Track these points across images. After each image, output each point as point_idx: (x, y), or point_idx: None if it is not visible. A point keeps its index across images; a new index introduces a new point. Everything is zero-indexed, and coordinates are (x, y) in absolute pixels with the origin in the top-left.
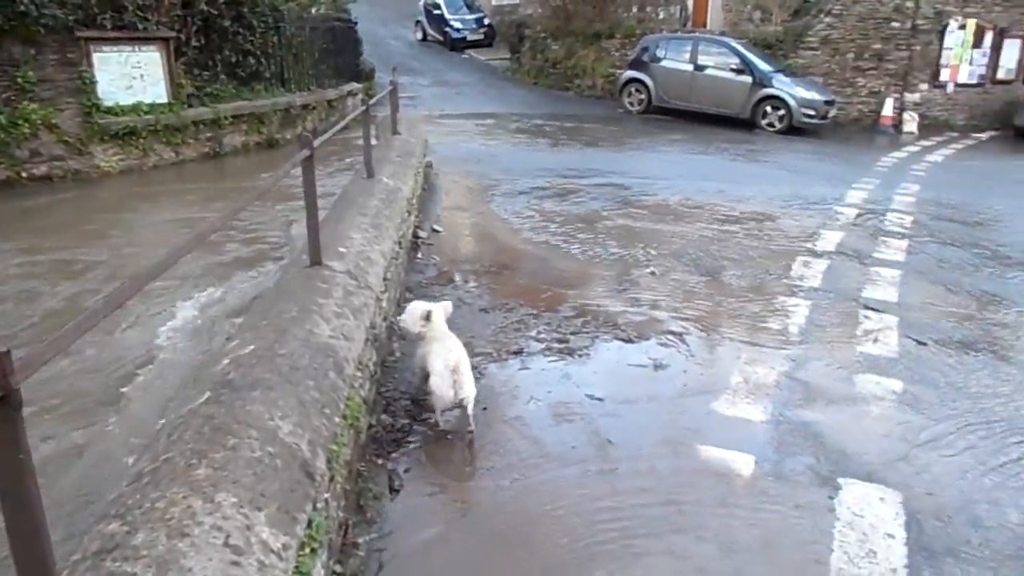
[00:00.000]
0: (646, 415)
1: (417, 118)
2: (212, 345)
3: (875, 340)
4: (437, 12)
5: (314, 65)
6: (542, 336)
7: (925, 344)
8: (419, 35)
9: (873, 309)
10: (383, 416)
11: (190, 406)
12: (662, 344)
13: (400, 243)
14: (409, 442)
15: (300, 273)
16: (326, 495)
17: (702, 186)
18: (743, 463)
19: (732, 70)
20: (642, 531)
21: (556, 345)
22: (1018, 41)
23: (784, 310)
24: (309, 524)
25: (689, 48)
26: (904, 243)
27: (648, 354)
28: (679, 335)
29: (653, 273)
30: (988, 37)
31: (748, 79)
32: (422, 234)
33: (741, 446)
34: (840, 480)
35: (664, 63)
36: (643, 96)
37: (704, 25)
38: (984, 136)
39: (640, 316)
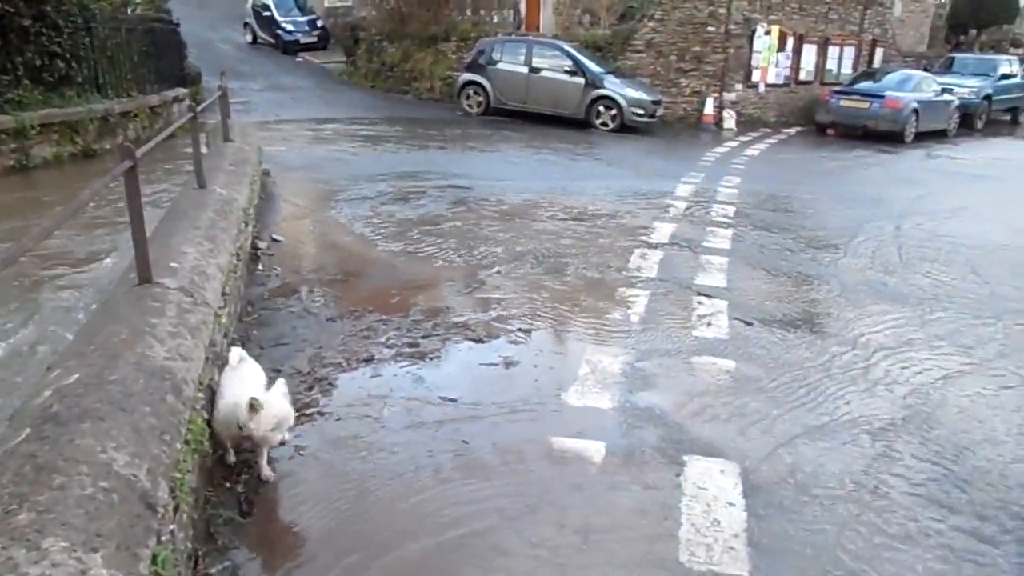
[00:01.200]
0: (499, 413)
1: (251, 124)
2: (24, 378)
3: (708, 324)
4: (267, 14)
5: (133, 69)
6: (392, 342)
7: (752, 324)
8: (249, 38)
9: (705, 295)
10: None
11: (6, 446)
12: (512, 342)
13: (238, 255)
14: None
15: (129, 293)
16: (172, 526)
17: (542, 185)
18: (594, 450)
19: (566, 72)
20: (502, 526)
21: (407, 350)
22: (814, 46)
23: (625, 301)
24: (154, 560)
25: (524, 51)
26: (729, 232)
27: (499, 352)
28: (528, 332)
29: (499, 272)
30: (790, 42)
31: (581, 80)
32: (262, 245)
33: (592, 434)
34: (685, 457)
35: (500, 66)
36: (481, 98)
37: (537, 28)
38: (792, 131)
39: (489, 315)
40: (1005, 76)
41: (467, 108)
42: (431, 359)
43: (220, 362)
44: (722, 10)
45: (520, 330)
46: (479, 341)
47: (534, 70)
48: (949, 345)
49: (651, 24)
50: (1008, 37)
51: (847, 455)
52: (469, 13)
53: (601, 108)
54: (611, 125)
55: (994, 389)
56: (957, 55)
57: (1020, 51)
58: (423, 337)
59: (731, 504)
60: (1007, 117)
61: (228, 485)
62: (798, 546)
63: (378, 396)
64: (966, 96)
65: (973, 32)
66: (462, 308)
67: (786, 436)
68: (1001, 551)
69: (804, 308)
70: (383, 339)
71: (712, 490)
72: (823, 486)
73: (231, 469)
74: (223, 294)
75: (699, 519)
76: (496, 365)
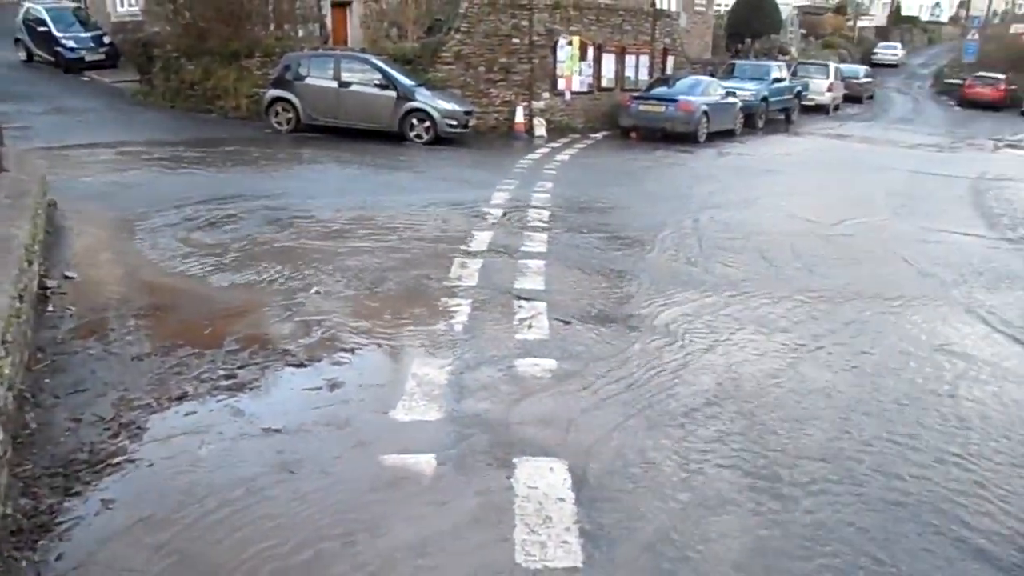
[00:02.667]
0: (326, 436)
1: (32, 152)
2: None
3: (529, 326)
4: (43, 29)
5: None
6: (207, 375)
7: (570, 323)
8: (23, 55)
9: (525, 298)
10: (22, 501)
11: None
12: (335, 363)
13: (22, 297)
14: (60, 523)
15: None
16: None
17: (357, 200)
18: (425, 463)
19: (376, 86)
20: (336, 549)
21: (224, 382)
22: (613, 55)
23: (447, 311)
24: None
25: (332, 65)
26: (545, 235)
27: (323, 375)
28: (351, 351)
29: (318, 293)
30: (590, 52)
31: (392, 94)
32: (52, 283)
33: (421, 448)
34: (515, 460)
35: (309, 81)
36: (291, 115)
37: (345, 42)
38: (599, 136)
39: (310, 338)
40: (777, 80)
41: (276, 125)
42: (251, 389)
43: (3, 418)
44: (525, 23)
45: (343, 350)
46: (301, 365)
47: (344, 84)
48: (748, 324)
49: (458, 36)
50: (777, 45)
51: (666, 438)
52: (272, 28)
53: (415, 121)
54: (425, 137)
55: (788, 362)
56: (737, 62)
57: (787, 57)
58: (241, 367)
59: (561, 499)
60: (782, 117)
61: (22, 556)
62: (629, 532)
63: (194, 434)
64: (747, 99)
65: (749, 40)
66: (281, 333)
67: (609, 427)
68: (800, 508)
69: (618, 303)
70: (197, 373)
71: (543, 488)
72: (647, 471)
73: (25, 537)
74: (4, 342)
75: (532, 518)
76: (320, 389)
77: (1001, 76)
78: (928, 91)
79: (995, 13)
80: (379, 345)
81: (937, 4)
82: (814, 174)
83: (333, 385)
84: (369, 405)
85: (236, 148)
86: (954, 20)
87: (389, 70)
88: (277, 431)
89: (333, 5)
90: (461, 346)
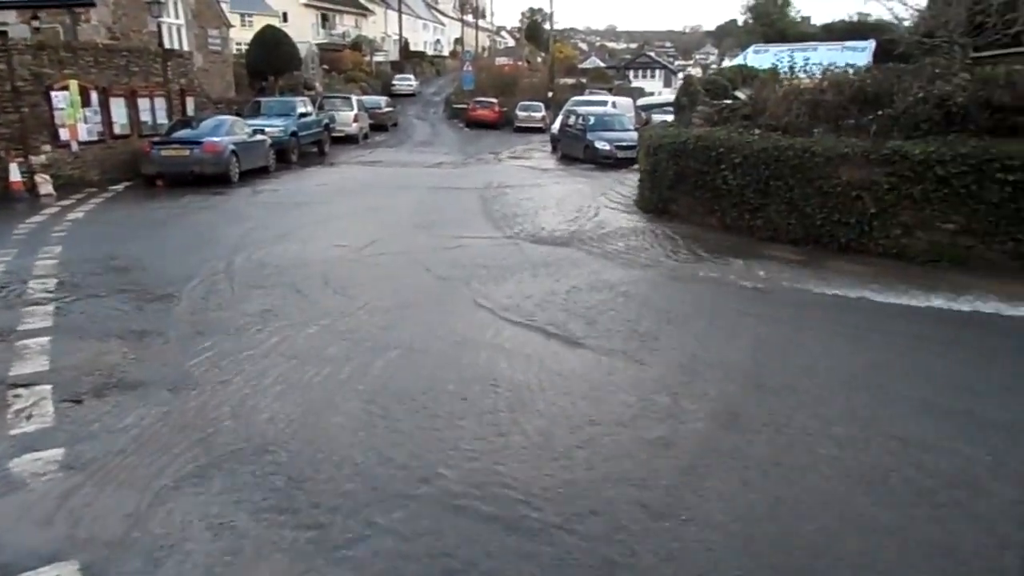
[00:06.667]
0: None
1: None
2: None
3: (29, 417)
4: None
5: None
6: None
7: (81, 401)
8: None
9: (23, 385)
10: None
11: None
12: None
13: None
14: None
15: None
16: None
17: None
18: None
19: None
20: None
21: None
22: (122, 99)
23: None
24: None
25: None
26: (51, 307)
27: None
28: None
29: None
30: (94, 96)
31: None
32: None
33: None
34: None
35: None
36: None
37: None
38: (121, 187)
39: None
40: (304, 114)
41: None
42: None
43: None
44: (3, 66)
45: None
46: None
47: None
48: (279, 359)
49: None
50: (301, 81)
51: (200, 500)
52: None
53: None
54: None
55: (321, 393)
56: (263, 99)
57: (312, 92)
58: None
59: None
60: (315, 150)
61: None
62: None
63: None
64: (276, 135)
65: (272, 78)
66: None
67: (128, 508)
68: (374, 543)
69: (140, 367)
70: None
71: None
72: (179, 542)
73: None
74: None
75: None
76: None
77: (494, 100)
78: (442, 116)
79: (483, 48)
80: None
81: (438, 41)
82: (348, 201)
83: None
84: None
85: None
86: (454, 54)
87: None
88: None
89: None
90: None
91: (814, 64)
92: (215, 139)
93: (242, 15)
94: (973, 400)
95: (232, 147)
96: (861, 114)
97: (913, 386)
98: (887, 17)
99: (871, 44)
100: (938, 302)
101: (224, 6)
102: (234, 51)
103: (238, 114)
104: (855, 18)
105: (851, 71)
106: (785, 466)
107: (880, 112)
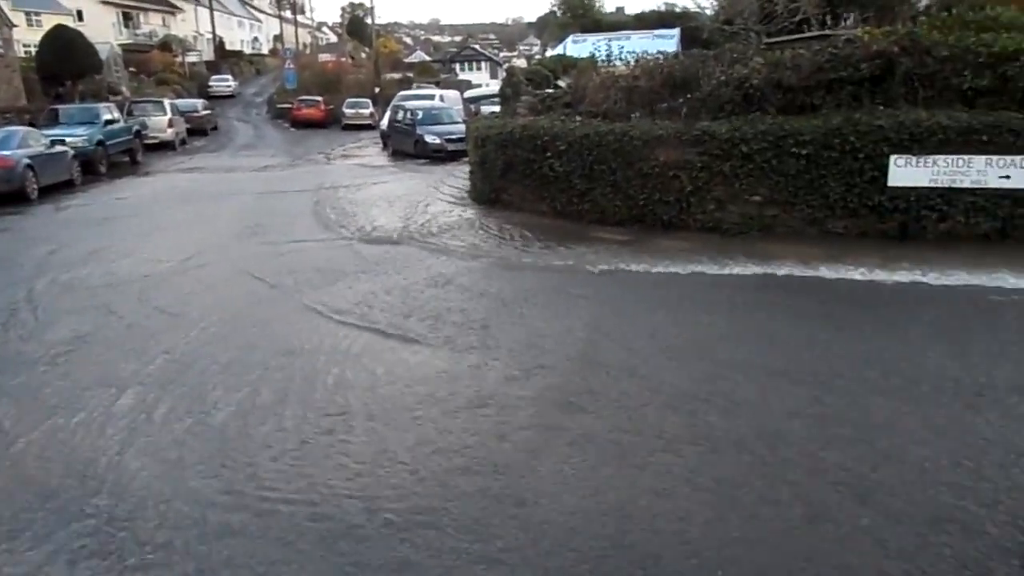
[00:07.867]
0: None
1: None
2: None
3: None
4: None
5: None
6: None
7: None
8: None
9: None
10: None
11: None
12: None
13: None
14: None
15: None
16: None
17: None
18: None
19: None
20: None
21: None
22: None
23: None
24: None
25: None
26: None
27: None
28: None
29: None
30: None
31: None
32: None
33: None
34: None
35: None
36: None
37: None
38: None
39: None
40: (110, 121)
41: None
42: None
43: None
44: None
45: None
46: None
47: None
48: (89, 389)
49: None
50: (104, 85)
51: None
52: None
53: None
54: None
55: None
56: (60, 107)
57: (118, 98)
58: None
59: None
60: (127, 159)
61: None
62: None
63: None
64: (80, 145)
65: (70, 83)
66: None
67: None
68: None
69: None
70: None
71: None
72: None
73: None
74: None
75: None
76: None
77: (320, 98)
78: (265, 117)
79: (305, 45)
80: None
81: (256, 39)
82: (167, 212)
83: None
84: None
85: None
86: (274, 52)
87: None
88: None
89: None
90: None
91: (628, 52)
92: (5, 153)
93: (28, 13)
94: (785, 358)
95: (27, 161)
96: (672, 98)
97: (737, 349)
98: (691, 7)
99: (678, 32)
100: (737, 270)
101: (4, 4)
102: (21, 54)
103: (32, 124)
104: (663, 8)
105: (661, 58)
106: (625, 444)
107: (689, 95)
